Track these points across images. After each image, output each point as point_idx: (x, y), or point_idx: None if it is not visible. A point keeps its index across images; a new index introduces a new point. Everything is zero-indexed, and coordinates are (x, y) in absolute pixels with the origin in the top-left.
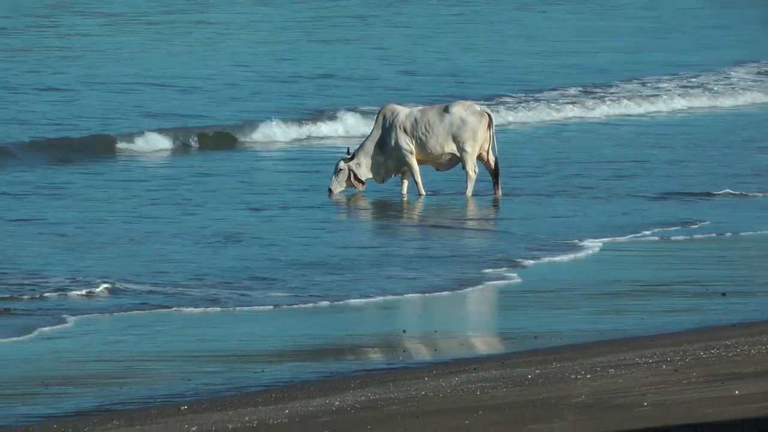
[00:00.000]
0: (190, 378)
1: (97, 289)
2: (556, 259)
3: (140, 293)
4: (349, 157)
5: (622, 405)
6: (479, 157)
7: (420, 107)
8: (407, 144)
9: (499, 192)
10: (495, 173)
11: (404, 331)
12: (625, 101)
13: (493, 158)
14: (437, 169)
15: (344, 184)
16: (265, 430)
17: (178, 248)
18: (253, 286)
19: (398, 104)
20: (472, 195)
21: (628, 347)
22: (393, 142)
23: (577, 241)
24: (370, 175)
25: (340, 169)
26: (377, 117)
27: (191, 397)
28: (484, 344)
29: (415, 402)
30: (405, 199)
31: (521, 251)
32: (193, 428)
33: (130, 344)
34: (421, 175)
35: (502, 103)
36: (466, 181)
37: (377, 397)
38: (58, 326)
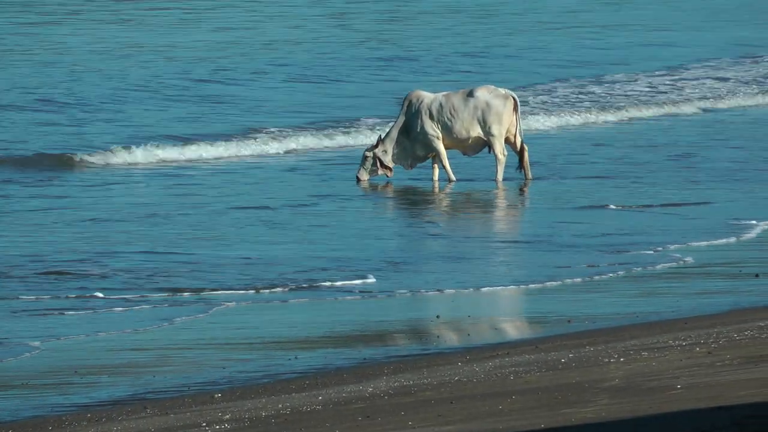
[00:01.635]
0: (224, 366)
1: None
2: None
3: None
4: (375, 144)
5: (655, 388)
6: (506, 141)
7: (445, 93)
8: (433, 129)
9: (529, 174)
10: (521, 156)
11: (438, 316)
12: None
13: (520, 141)
14: (464, 153)
15: (371, 173)
16: (299, 417)
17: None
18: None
19: (423, 90)
20: (503, 179)
21: (662, 330)
22: (419, 128)
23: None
24: (397, 162)
25: (366, 157)
26: (403, 103)
27: (225, 385)
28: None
29: (449, 387)
30: (436, 185)
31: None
32: (227, 416)
33: (163, 333)
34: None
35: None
36: (496, 165)
37: (411, 383)
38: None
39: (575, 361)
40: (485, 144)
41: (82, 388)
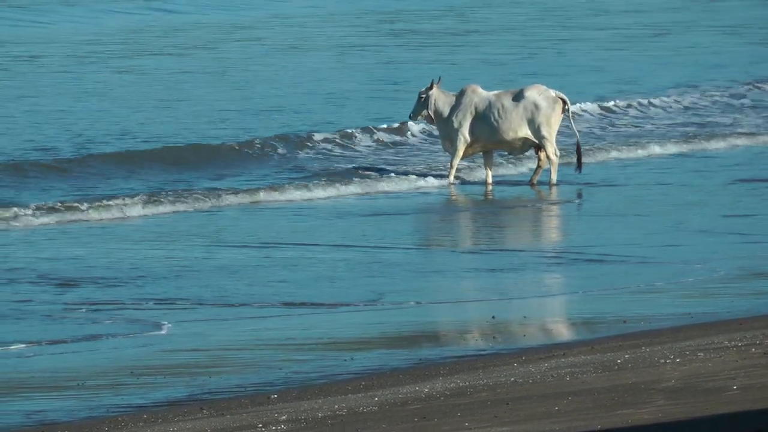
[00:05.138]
0: (281, 366)
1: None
2: None
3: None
4: (429, 86)
5: (711, 389)
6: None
7: (496, 92)
8: (465, 131)
9: (581, 170)
10: (578, 156)
11: (493, 317)
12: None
13: (576, 141)
14: (510, 153)
15: (416, 111)
16: (355, 418)
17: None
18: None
19: (480, 87)
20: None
21: (717, 330)
22: (456, 123)
23: None
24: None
25: (420, 97)
26: (459, 92)
27: (281, 386)
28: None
29: (505, 388)
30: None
31: None
32: (283, 417)
33: (222, 333)
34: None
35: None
36: (550, 167)
37: (467, 384)
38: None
39: (631, 362)
40: (531, 145)
41: (138, 389)
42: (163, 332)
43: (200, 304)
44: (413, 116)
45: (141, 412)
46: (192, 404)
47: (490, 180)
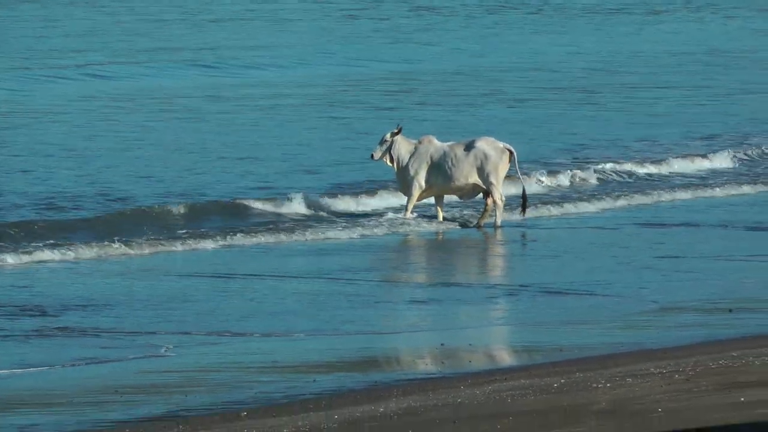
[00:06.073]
0: (251, 387)
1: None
2: None
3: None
4: (396, 131)
5: (638, 411)
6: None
7: (449, 143)
8: (420, 179)
9: (524, 214)
10: (523, 201)
11: (442, 344)
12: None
13: (522, 187)
14: (460, 198)
15: (383, 154)
16: None
17: None
18: None
19: (435, 138)
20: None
21: (644, 358)
22: (411, 171)
23: None
24: (392, 164)
25: (385, 140)
26: (418, 141)
27: (251, 404)
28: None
29: (452, 409)
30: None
31: None
32: None
33: (195, 357)
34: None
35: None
36: (495, 210)
37: (418, 404)
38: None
39: (566, 386)
40: (479, 191)
41: (121, 406)
42: (145, 356)
43: (183, 332)
44: (377, 156)
45: (123, 427)
46: (169, 420)
47: (440, 219)
